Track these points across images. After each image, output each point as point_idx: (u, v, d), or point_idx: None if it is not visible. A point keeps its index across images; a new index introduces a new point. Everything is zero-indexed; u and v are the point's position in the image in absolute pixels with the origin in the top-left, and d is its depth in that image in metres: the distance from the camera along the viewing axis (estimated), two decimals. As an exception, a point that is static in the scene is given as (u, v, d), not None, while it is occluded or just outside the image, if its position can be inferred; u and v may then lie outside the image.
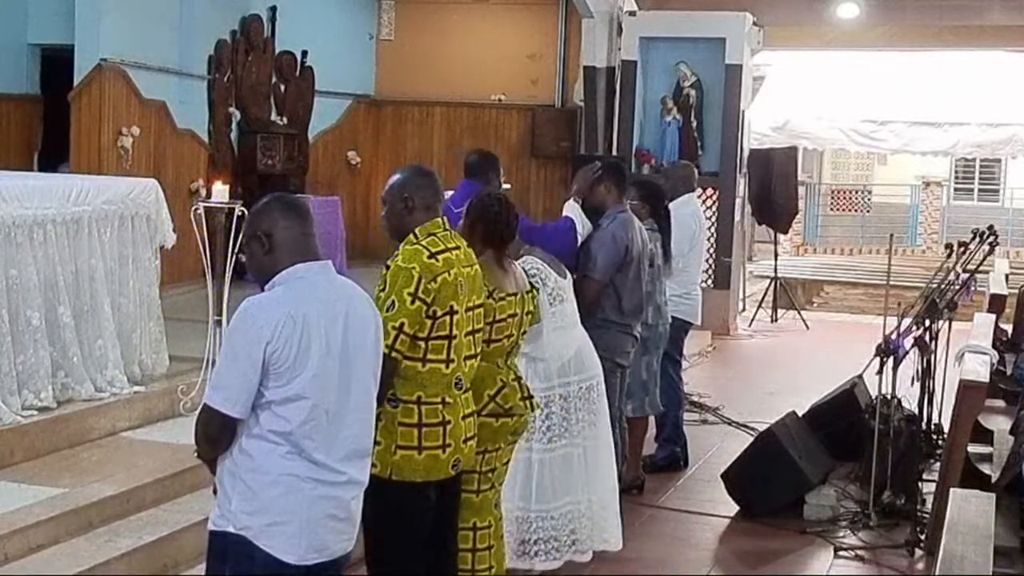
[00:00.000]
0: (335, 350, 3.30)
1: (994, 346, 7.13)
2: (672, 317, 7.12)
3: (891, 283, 11.12)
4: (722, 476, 6.99)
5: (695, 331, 8.45)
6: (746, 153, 13.27)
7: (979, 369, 6.15)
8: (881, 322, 8.22)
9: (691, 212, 7.66)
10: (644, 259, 6.25)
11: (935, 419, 7.60)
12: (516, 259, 4.96)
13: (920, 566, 6.03)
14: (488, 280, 4.41)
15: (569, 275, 5.51)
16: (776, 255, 14.90)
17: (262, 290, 3.37)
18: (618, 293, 6.09)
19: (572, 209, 6.16)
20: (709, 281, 12.33)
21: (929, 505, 6.48)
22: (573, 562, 5.41)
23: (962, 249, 7.76)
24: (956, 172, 25.82)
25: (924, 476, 6.99)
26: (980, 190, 26.18)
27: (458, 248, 4.13)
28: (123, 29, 10.28)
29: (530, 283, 4.77)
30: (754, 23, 12.89)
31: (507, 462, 4.74)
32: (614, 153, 12.70)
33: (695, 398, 9.17)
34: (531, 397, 4.63)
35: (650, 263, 6.40)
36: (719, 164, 12.70)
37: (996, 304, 8.56)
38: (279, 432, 3.25)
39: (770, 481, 6.77)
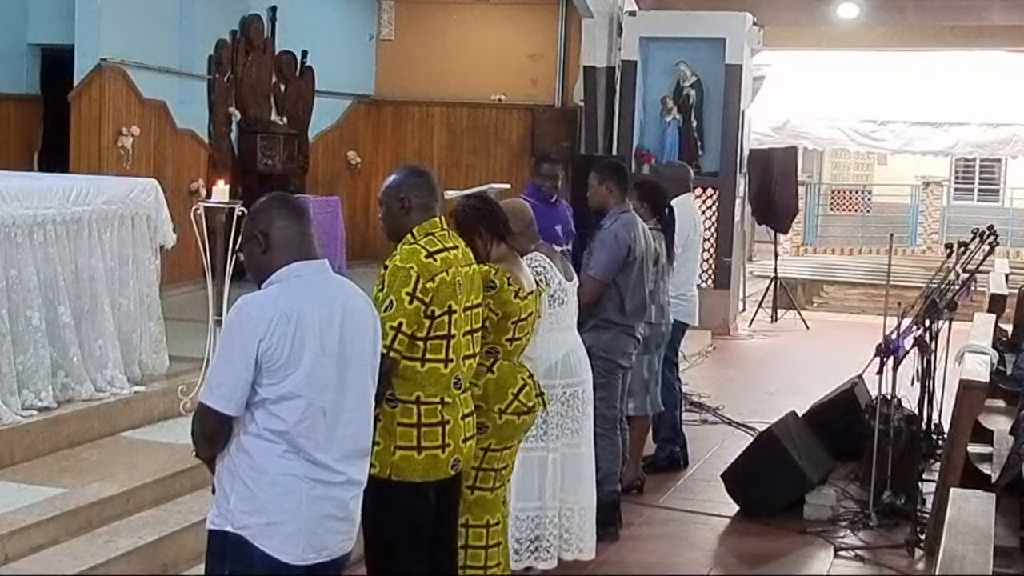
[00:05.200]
0: (330, 349, 3.30)
1: (994, 346, 7.13)
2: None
3: (891, 283, 11.11)
4: (722, 476, 6.99)
5: (695, 331, 8.47)
6: (746, 153, 13.27)
7: (979, 369, 6.15)
8: (881, 322, 8.21)
9: (686, 213, 7.65)
10: (648, 259, 6.25)
11: (935, 419, 7.59)
12: (524, 256, 4.97)
13: (920, 566, 6.03)
14: (513, 280, 4.46)
15: (576, 277, 5.51)
16: (776, 255, 14.89)
17: (259, 289, 3.37)
18: (621, 294, 6.09)
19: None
20: (709, 281, 12.34)
21: (929, 505, 6.48)
22: (569, 563, 5.41)
23: (962, 249, 7.76)
24: (956, 172, 25.82)
25: (924, 476, 6.98)
26: (980, 190, 26.17)
27: (456, 248, 4.13)
28: (123, 29, 10.28)
29: (536, 282, 4.79)
30: (754, 23, 12.89)
31: (515, 458, 4.75)
32: (614, 153, 12.71)
33: (695, 398, 9.17)
34: (543, 394, 4.68)
35: (654, 263, 6.41)
36: (719, 164, 12.70)
37: (996, 304, 8.56)
38: (275, 431, 3.25)
39: (770, 481, 6.77)
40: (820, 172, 25.27)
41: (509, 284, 4.45)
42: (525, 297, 4.52)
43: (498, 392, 4.44)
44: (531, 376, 4.64)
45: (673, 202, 7.49)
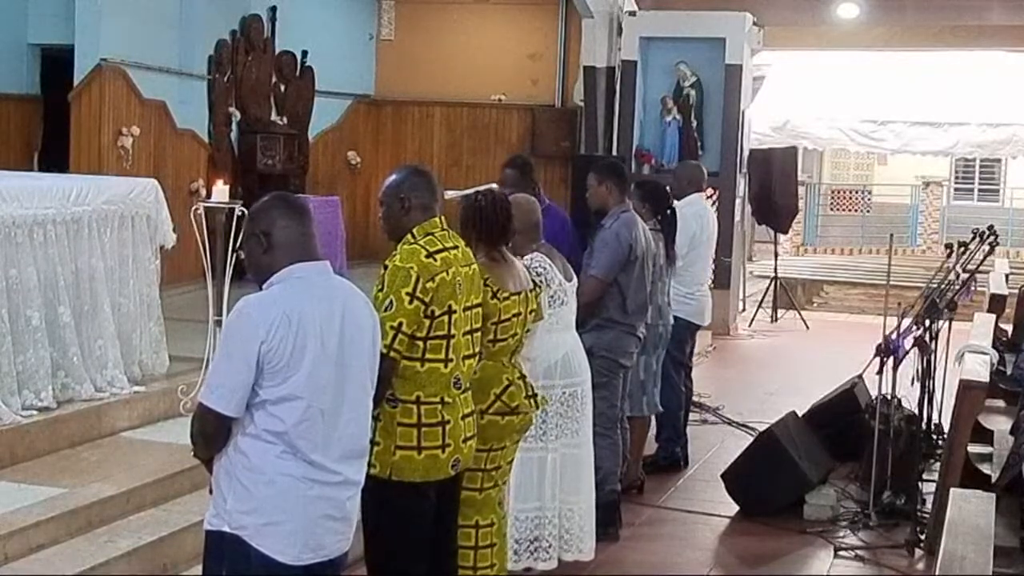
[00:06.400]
0: (330, 350, 3.30)
1: (994, 346, 7.13)
2: (675, 317, 7.11)
3: (891, 283, 11.11)
4: (722, 476, 6.99)
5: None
6: (746, 153, 13.27)
7: (979, 369, 6.15)
8: (881, 322, 8.21)
9: (695, 212, 7.64)
10: (648, 259, 6.25)
11: (935, 419, 7.59)
12: (524, 256, 4.96)
13: (920, 566, 6.02)
14: (492, 281, 4.42)
15: (576, 278, 5.50)
16: (776, 255, 14.90)
17: (260, 289, 3.37)
18: (623, 293, 6.09)
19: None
20: (709, 281, 12.33)
21: (929, 505, 6.48)
22: (569, 563, 5.41)
23: (962, 249, 7.76)
24: (956, 172, 25.83)
25: (924, 476, 6.98)
26: (980, 190, 26.19)
27: (456, 247, 4.13)
28: (123, 29, 10.28)
29: (533, 280, 4.77)
30: (754, 23, 12.89)
31: (511, 460, 4.74)
32: (614, 153, 12.70)
33: (695, 398, 9.15)
34: (535, 395, 4.64)
35: (652, 263, 6.41)
36: (719, 164, 12.69)
37: (996, 304, 8.55)
38: (274, 432, 3.26)
39: (770, 481, 6.77)
40: (820, 172, 25.28)
41: (486, 285, 4.39)
42: (506, 298, 4.47)
43: (479, 392, 4.38)
44: (522, 377, 4.59)
45: (684, 201, 7.52)
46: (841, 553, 6.20)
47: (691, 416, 8.12)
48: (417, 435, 4.00)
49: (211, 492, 3.42)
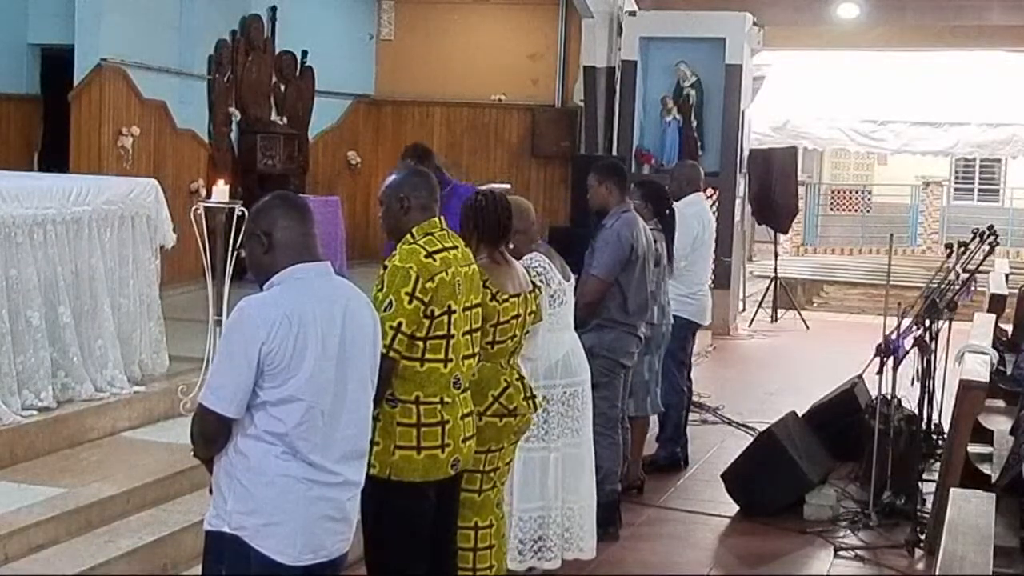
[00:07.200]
0: (331, 352, 3.30)
1: (994, 346, 7.13)
2: (676, 316, 7.11)
3: (891, 283, 11.10)
4: (722, 476, 6.99)
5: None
6: (746, 153, 13.27)
7: (979, 369, 6.15)
8: (881, 322, 8.21)
9: (695, 212, 7.64)
10: (649, 259, 6.25)
11: (935, 419, 7.60)
12: (524, 256, 4.95)
13: (920, 566, 6.03)
14: (492, 283, 4.41)
15: (573, 278, 5.50)
16: (776, 255, 14.90)
17: (261, 289, 3.37)
18: (623, 293, 6.09)
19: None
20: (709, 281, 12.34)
21: (929, 505, 6.48)
22: (569, 562, 5.41)
23: (962, 249, 7.76)
24: (956, 172, 25.85)
25: (924, 476, 6.99)
26: (980, 190, 26.20)
27: (456, 247, 4.13)
28: (123, 29, 10.28)
29: (533, 282, 4.77)
30: (754, 23, 12.90)
31: (509, 461, 4.74)
32: (614, 153, 12.71)
33: (695, 398, 9.15)
34: (534, 396, 4.63)
35: (655, 263, 6.41)
36: (719, 164, 12.70)
37: (996, 304, 8.56)
38: (274, 433, 3.26)
39: (770, 481, 6.77)
40: (820, 172, 25.29)
41: (486, 287, 4.38)
42: (505, 300, 4.46)
43: (478, 394, 4.38)
44: (520, 379, 4.59)
45: (684, 201, 7.52)
46: (841, 553, 6.20)
47: (691, 416, 8.13)
48: (416, 435, 4.00)
49: (211, 492, 3.42)
